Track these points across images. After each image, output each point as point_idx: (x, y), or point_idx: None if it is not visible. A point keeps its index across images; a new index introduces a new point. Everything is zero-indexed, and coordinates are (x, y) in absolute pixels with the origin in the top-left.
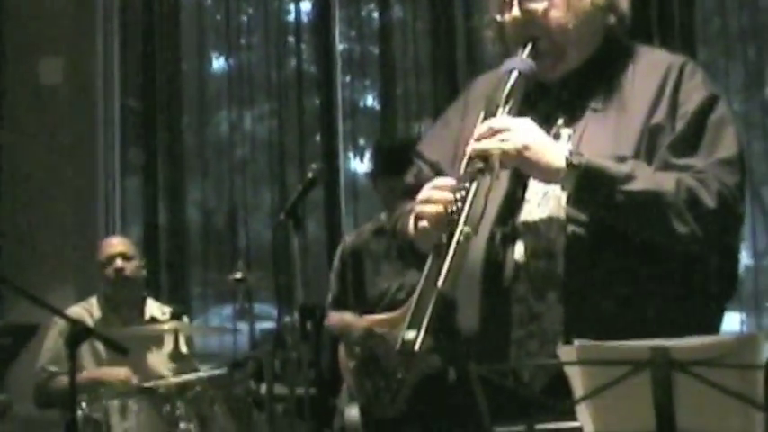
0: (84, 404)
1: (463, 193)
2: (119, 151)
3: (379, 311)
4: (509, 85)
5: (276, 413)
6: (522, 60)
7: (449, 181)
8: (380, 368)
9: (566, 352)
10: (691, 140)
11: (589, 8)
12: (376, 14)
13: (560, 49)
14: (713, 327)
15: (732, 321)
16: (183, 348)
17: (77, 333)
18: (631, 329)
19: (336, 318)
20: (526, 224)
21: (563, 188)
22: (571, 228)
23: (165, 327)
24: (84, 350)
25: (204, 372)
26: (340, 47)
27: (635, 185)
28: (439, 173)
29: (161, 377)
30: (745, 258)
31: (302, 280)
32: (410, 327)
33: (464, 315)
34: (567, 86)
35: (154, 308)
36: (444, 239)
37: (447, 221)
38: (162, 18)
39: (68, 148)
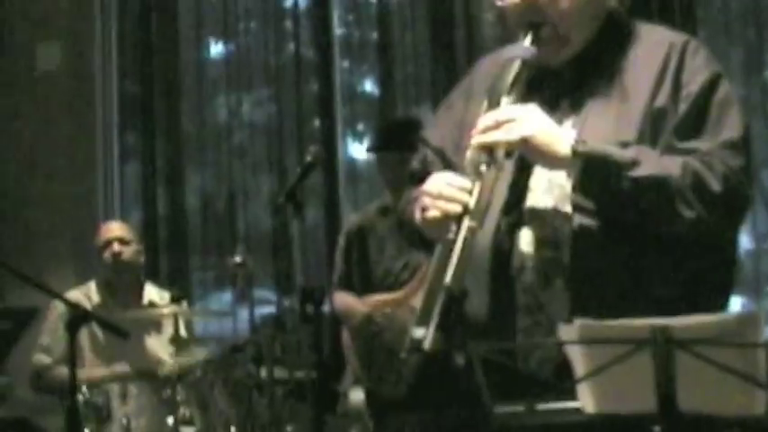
0: (84, 388)
1: (469, 186)
2: (117, 136)
3: (384, 290)
4: (512, 75)
5: (276, 396)
6: (524, 48)
7: (459, 179)
8: (384, 350)
9: (567, 331)
10: (695, 123)
11: None
12: None
13: (563, 34)
14: (719, 310)
15: (733, 305)
16: (183, 333)
17: (77, 317)
18: (637, 317)
19: (340, 301)
20: (531, 212)
21: (568, 175)
22: (577, 216)
23: (165, 311)
24: (83, 336)
25: (204, 355)
26: (338, 31)
27: (641, 171)
28: (444, 158)
29: (160, 361)
30: (745, 242)
31: (302, 269)
32: (419, 324)
33: (471, 304)
34: (569, 71)
35: (152, 292)
36: (451, 235)
37: (454, 216)
38: (160, 3)
39: (67, 134)
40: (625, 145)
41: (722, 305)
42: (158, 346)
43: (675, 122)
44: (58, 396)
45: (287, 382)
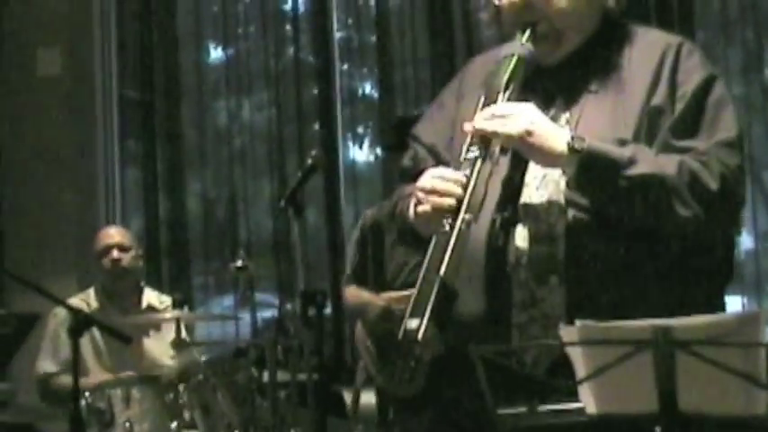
0: (87, 393)
1: (464, 180)
2: (118, 142)
3: (397, 287)
4: (509, 71)
5: (279, 400)
6: (521, 45)
7: (452, 173)
8: (398, 346)
9: (568, 332)
10: (691, 122)
11: None
12: (373, 2)
13: (559, 33)
14: (714, 310)
15: (733, 305)
16: (185, 336)
17: (79, 322)
18: (632, 313)
19: (354, 295)
20: (526, 208)
21: (564, 173)
22: (571, 212)
23: (166, 315)
24: (84, 343)
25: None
26: (338, 35)
27: (637, 169)
28: (435, 155)
29: (162, 366)
30: (746, 242)
31: (303, 269)
32: (412, 315)
33: (466, 300)
34: (565, 69)
35: (151, 296)
36: (446, 227)
37: (447, 209)
38: (159, 8)
39: (67, 139)
40: (622, 142)
41: (718, 301)
42: (159, 351)
43: (672, 121)
44: (64, 402)
45: (289, 386)
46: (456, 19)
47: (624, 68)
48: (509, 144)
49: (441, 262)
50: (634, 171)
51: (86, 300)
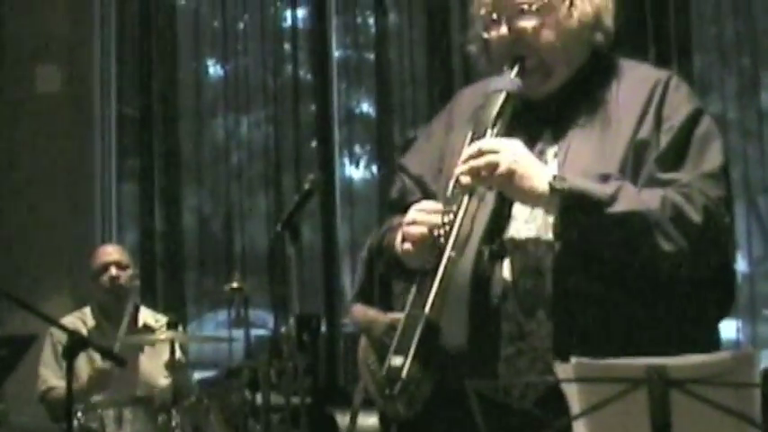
0: (79, 414)
1: (451, 216)
2: (115, 158)
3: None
4: (497, 107)
5: (272, 423)
6: (510, 80)
7: (434, 205)
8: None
9: (563, 369)
10: (676, 155)
11: (576, 26)
12: (372, 21)
13: (548, 67)
14: (705, 342)
15: (728, 329)
16: (180, 356)
17: (74, 344)
18: (621, 347)
19: (361, 312)
20: (513, 241)
21: (547, 212)
22: (558, 246)
23: (162, 337)
24: (81, 361)
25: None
26: (336, 54)
27: (619, 206)
28: (422, 187)
29: (156, 387)
30: (741, 266)
31: (298, 290)
32: (396, 352)
33: (451, 333)
34: (553, 103)
35: (147, 316)
36: (431, 264)
37: (433, 245)
38: (158, 25)
39: (65, 156)
40: (606, 177)
41: (709, 334)
42: (154, 371)
43: (657, 154)
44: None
45: (282, 409)
46: (454, 39)
47: (612, 102)
48: (493, 183)
49: (426, 299)
50: (616, 209)
51: (82, 318)
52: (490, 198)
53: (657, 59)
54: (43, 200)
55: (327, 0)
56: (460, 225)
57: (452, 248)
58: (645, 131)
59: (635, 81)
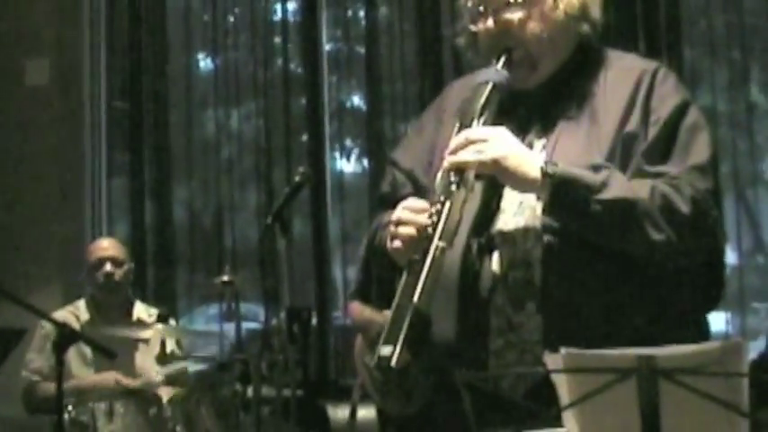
0: (70, 407)
1: (438, 206)
2: (105, 152)
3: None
4: (483, 98)
5: (263, 415)
6: (496, 71)
7: (421, 203)
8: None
9: (553, 360)
10: (664, 147)
11: (563, 18)
12: (362, 14)
13: (535, 59)
14: (694, 333)
15: (717, 321)
16: (175, 350)
17: (65, 337)
18: (611, 338)
19: (358, 310)
20: (502, 234)
21: (538, 198)
22: (547, 237)
23: (152, 331)
24: (71, 353)
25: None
26: (326, 47)
27: (609, 193)
28: (414, 181)
29: (150, 380)
30: (730, 258)
31: (289, 283)
32: (386, 342)
33: (440, 326)
34: (540, 95)
35: (141, 310)
36: (419, 255)
37: (421, 237)
38: (148, 18)
39: (55, 149)
40: (596, 168)
41: (697, 325)
42: (147, 364)
43: (645, 147)
44: (47, 413)
45: (273, 401)
46: (445, 32)
47: (599, 94)
48: (484, 170)
49: (414, 288)
50: (606, 195)
51: (76, 312)
52: (479, 190)
53: (647, 52)
54: (33, 193)
55: None
56: (448, 215)
57: (441, 238)
58: (632, 124)
59: (622, 72)
